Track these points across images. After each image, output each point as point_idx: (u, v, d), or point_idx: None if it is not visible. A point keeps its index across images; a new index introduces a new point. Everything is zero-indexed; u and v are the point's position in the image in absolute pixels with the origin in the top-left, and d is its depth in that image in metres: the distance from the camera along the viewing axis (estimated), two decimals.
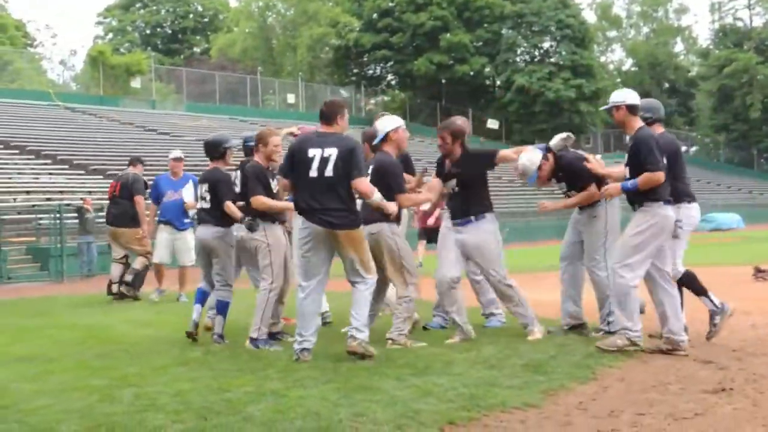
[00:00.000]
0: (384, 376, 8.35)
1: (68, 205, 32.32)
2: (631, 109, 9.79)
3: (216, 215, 11.47)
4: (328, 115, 9.91)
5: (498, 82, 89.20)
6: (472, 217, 10.80)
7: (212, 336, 11.22)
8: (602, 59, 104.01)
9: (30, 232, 33.32)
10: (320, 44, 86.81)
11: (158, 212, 18.58)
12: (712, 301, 10.33)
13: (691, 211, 10.43)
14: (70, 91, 77.31)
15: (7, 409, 7.55)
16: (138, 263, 18.20)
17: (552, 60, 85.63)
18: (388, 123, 10.90)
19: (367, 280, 9.77)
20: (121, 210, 18.21)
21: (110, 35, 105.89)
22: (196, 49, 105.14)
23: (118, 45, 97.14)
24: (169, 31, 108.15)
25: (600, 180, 10.53)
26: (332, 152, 9.56)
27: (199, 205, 11.86)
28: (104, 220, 19.74)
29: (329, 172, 9.53)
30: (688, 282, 10.39)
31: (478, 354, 9.41)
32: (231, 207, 11.18)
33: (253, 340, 10.55)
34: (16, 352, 11.21)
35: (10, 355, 11.02)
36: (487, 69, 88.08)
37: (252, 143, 11.40)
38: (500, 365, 8.79)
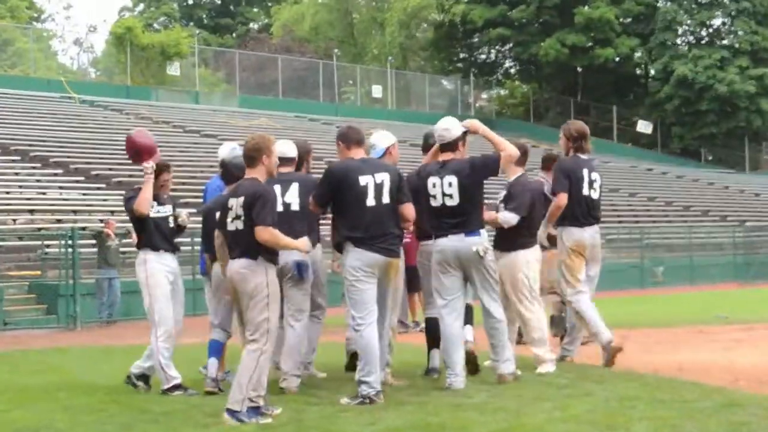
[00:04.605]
0: None
1: (84, 229, 32.66)
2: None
3: None
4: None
5: (652, 72, 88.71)
6: None
7: None
8: None
9: (34, 263, 33.63)
10: (416, 20, 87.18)
11: None
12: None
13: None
14: (88, 79, 78.53)
15: None
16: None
17: (724, 42, 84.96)
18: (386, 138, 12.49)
19: None
20: None
21: (141, 6, 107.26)
22: (253, 26, 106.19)
23: (150, 19, 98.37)
24: (218, 2, 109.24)
25: None
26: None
27: None
28: None
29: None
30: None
31: None
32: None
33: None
34: (16, 420, 11.33)
35: (8, 424, 11.15)
36: (638, 54, 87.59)
37: None
38: None
